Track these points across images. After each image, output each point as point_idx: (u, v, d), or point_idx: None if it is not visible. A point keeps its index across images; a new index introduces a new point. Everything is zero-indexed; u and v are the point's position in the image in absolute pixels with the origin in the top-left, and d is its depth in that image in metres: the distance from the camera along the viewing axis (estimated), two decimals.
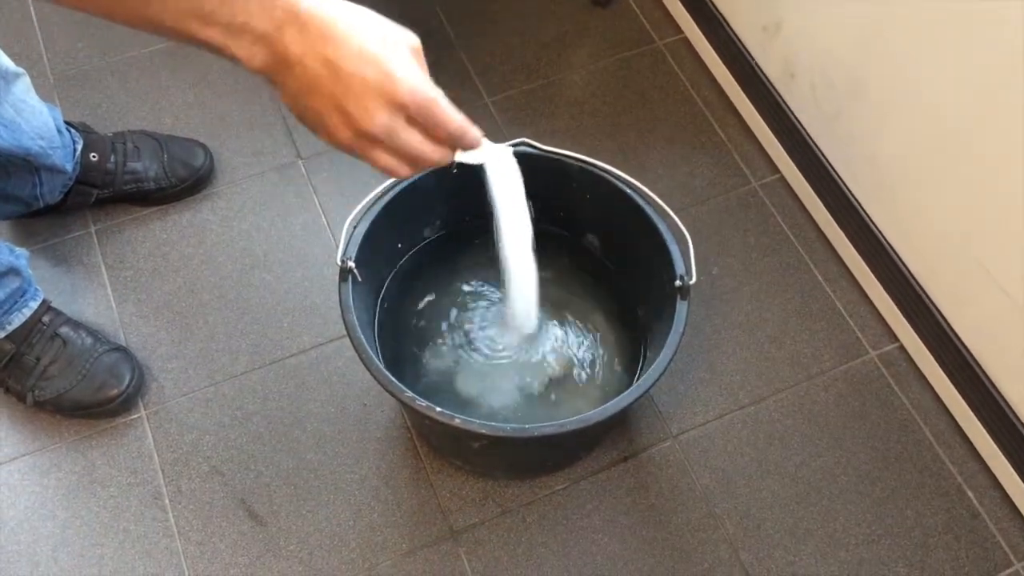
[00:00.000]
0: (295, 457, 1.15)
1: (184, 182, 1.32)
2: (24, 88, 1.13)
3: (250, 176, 1.37)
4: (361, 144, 0.62)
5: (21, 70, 1.12)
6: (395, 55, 0.60)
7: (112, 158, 1.27)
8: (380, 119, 0.60)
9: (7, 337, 1.12)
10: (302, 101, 0.60)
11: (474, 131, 0.68)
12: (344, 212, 0.99)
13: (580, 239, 1.19)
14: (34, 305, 1.15)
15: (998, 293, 1.06)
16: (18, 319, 1.13)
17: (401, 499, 1.13)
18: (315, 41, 0.57)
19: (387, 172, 0.65)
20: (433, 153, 0.65)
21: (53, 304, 1.18)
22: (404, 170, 0.65)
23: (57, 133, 1.18)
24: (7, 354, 1.13)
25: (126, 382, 1.16)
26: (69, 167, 1.22)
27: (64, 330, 1.16)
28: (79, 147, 1.24)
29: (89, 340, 1.17)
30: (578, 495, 1.13)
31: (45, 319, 1.15)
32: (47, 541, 1.09)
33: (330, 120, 0.60)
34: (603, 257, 1.18)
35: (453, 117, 0.64)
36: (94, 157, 1.25)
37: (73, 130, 1.25)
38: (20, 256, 1.13)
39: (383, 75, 0.59)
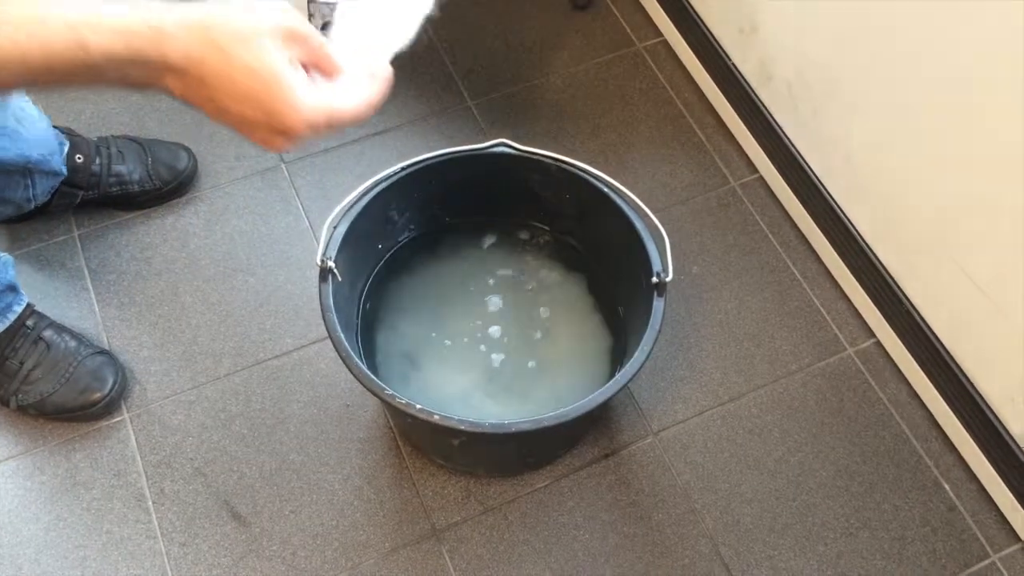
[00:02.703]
0: (278, 458, 1.16)
1: (168, 184, 1.32)
2: (24, 97, 1.14)
3: (233, 180, 1.37)
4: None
5: None
6: (270, 86, 0.56)
7: (97, 160, 1.28)
8: (284, 145, 0.59)
9: None
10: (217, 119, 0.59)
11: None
12: (326, 214, 1.00)
13: (560, 238, 1.20)
14: (18, 309, 1.15)
15: (971, 289, 1.07)
16: (1, 324, 1.13)
17: (384, 498, 1.13)
18: (196, 88, 0.56)
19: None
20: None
21: (37, 308, 1.19)
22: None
23: (54, 139, 1.21)
24: None
25: (109, 385, 1.16)
26: (62, 169, 1.24)
27: (48, 333, 1.17)
28: (65, 149, 1.25)
29: (73, 343, 1.18)
30: (559, 492, 1.14)
31: (29, 323, 1.16)
32: (30, 544, 1.10)
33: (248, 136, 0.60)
34: (583, 256, 1.19)
35: (347, 107, 0.61)
36: (79, 159, 1.26)
37: (60, 132, 1.26)
38: (8, 264, 1.14)
39: (266, 115, 0.57)
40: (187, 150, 1.36)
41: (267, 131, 0.58)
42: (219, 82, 0.56)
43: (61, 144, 1.25)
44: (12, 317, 1.14)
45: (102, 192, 1.30)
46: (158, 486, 1.14)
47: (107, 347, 1.22)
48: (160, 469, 1.15)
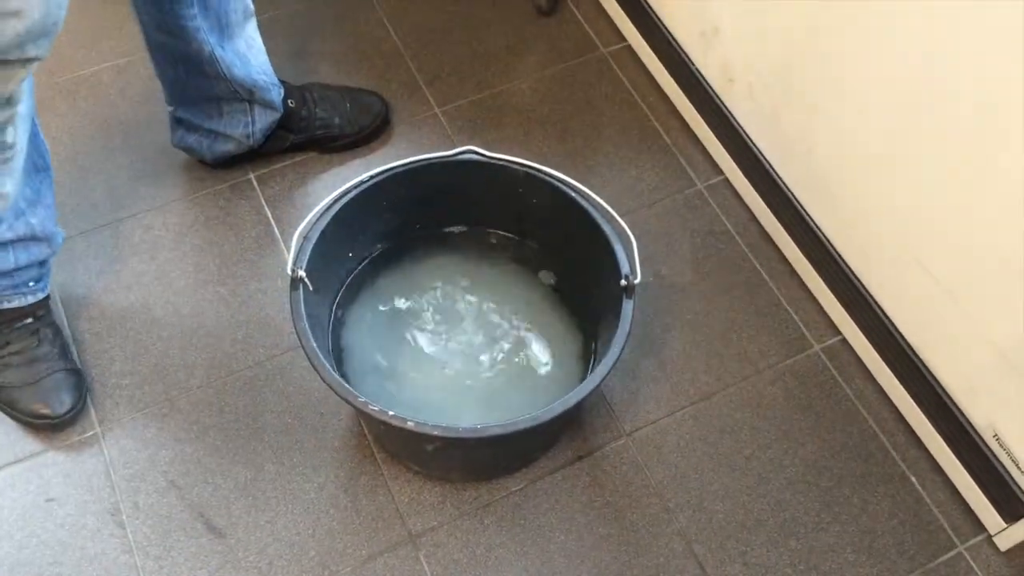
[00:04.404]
0: (253, 468, 1.15)
1: (366, 128, 1.41)
2: (254, 27, 1.24)
3: (203, 191, 1.37)
4: None
5: (253, 9, 1.21)
6: None
7: (305, 106, 1.36)
8: None
9: None
10: None
11: None
12: (296, 224, 1.00)
13: (529, 243, 1.22)
14: (40, 296, 1.16)
15: (932, 285, 1.10)
16: (18, 301, 1.14)
17: (359, 506, 1.14)
18: None
19: None
20: None
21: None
22: None
23: (273, 72, 1.29)
24: None
25: (64, 409, 1.15)
26: (280, 106, 1.31)
27: (45, 331, 1.17)
28: (282, 92, 1.32)
29: (57, 351, 1.17)
30: (535, 495, 1.15)
31: (39, 313, 1.17)
32: (4, 562, 1.09)
33: None
34: (553, 260, 1.21)
35: None
36: (291, 103, 1.34)
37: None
38: (59, 235, 1.15)
39: None
40: (378, 95, 1.43)
41: None
42: None
43: (279, 83, 1.31)
44: (31, 300, 1.15)
45: (309, 135, 1.38)
46: (132, 500, 1.13)
47: (77, 361, 1.21)
48: (133, 483, 1.14)
